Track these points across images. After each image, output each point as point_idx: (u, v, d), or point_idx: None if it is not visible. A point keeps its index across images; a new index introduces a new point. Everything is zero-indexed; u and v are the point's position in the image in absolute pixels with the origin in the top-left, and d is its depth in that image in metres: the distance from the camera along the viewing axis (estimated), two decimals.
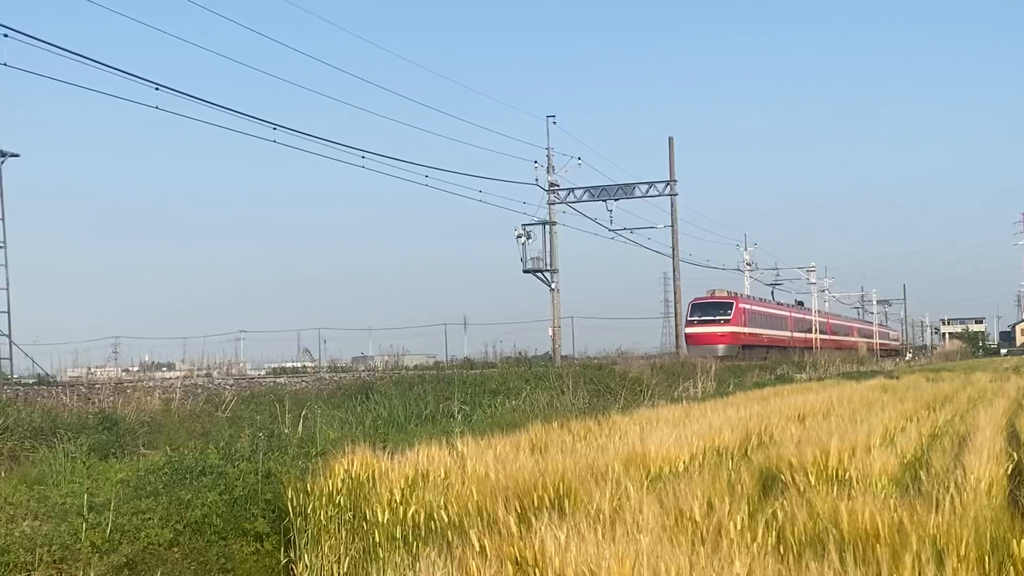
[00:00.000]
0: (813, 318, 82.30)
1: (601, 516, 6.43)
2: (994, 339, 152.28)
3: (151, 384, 19.60)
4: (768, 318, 65.30)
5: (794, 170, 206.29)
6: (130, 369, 34.08)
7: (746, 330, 58.02)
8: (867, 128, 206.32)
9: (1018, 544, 5.51)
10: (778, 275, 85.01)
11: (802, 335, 74.09)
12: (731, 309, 56.30)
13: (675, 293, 45.45)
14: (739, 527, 6.01)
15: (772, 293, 78.92)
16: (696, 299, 58.94)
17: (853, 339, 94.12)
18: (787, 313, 73.62)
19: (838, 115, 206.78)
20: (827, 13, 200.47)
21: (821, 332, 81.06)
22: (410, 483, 8.40)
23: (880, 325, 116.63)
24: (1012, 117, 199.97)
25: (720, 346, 53.91)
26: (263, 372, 33.11)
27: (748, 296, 64.06)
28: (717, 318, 55.95)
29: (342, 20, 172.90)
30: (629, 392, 24.37)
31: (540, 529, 5.42)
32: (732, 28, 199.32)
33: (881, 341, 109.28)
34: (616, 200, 45.90)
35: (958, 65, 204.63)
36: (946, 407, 19.46)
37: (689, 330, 56.09)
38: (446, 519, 7.71)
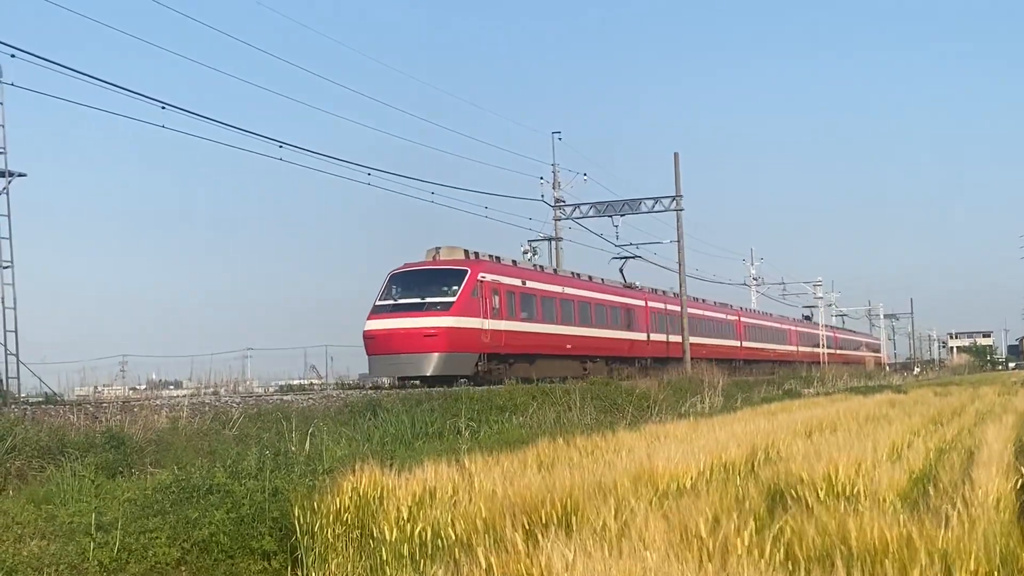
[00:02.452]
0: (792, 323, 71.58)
1: (608, 533, 6.43)
2: (1002, 353, 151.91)
3: (158, 402, 19.58)
4: (568, 305, 36.04)
5: (800, 184, 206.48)
6: (137, 387, 34.05)
7: (502, 325, 30.88)
8: (873, 141, 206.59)
9: None
10: (784, 289, 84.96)
11: (665, 339, 45.01)
12: (462, 283, 29.38)
13: (682, 308, 45.29)
14: (746, 543, 6.00)
15: (621, 271, 46.52)
16: (399, 268, 31.21)
17: (789, 348, 68.98)
18: (640, 302, 43.59)
19: (845, 128, 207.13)
20: (833, 26, 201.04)
21: (757, 340, 60.37)
22: (417, 500, 8.39)
23: (853, 332, 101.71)
24: (1018, 126, 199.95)
25: (432, 356, 28.09)
26: (270, 390, 33.12)
27: (514, 263, 35.17)
28: (431, 301, 28.96)
29: (347, 38, 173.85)
30: (636, 408, 24.30)
31: (547, 546, 5.42)
32: (737, 43, 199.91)
33: (853, 352, 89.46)
34: (622, 216, 45.87)
35: (966, 78, 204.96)
36: (954, 422, 19.42)
37: (373, 325, 29.03)
38: (453, 536, 7.71)
